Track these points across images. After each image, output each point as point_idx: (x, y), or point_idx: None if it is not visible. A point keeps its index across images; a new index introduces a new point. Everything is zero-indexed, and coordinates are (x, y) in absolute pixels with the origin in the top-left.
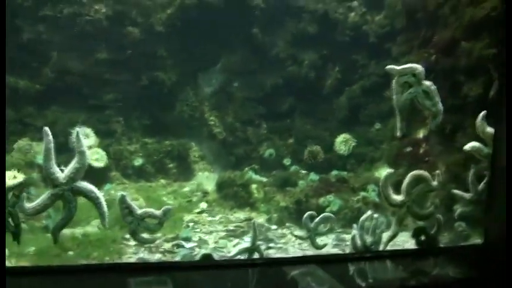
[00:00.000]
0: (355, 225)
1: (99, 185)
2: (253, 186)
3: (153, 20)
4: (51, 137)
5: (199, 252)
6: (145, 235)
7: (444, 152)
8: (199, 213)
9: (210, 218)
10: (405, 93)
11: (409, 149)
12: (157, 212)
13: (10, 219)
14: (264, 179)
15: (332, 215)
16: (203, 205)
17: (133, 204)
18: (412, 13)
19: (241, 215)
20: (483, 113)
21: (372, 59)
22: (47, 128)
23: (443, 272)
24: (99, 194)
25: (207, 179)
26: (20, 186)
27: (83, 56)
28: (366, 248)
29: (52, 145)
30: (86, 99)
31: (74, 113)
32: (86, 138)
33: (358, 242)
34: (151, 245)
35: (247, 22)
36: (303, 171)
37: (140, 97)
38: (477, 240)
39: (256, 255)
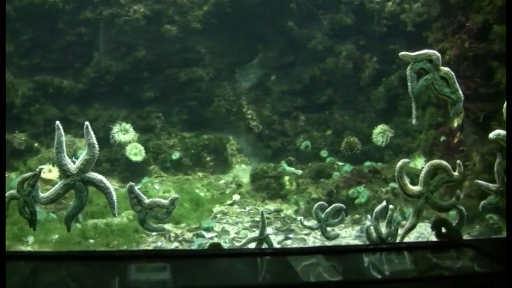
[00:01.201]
0: (369, 216)
1: (137, 178)
2: (286, 178)
3: (190, 17)
4: (62, 130)
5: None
6: (153, 224)
7: (478, 141)
8: (230, 204)
9: (239, 210)
10: (421, 80)
11: (443, 138)
12: (165, 202)
13: (26, 208)
14: (300, 171)
15: (343, 205)
16: (236, 197)
17: (141, 194)
18: None
19: (271, 206)
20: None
21: (409, 48)
22: (58, 122)
23: (465, 266)
24: (109, 184)
25: (243, 171)
26: (35, 177)
27: (123, 55)
28: (382, 239)
29: (63, 138)
30: (126, 96)
31: (114, 110)
32: (125, 133)
33: (373, 233)
34: (172, 234)
35: (283, 16)
36: (340, 163)
37: (179, 93)
38: None
39: (265, 246)
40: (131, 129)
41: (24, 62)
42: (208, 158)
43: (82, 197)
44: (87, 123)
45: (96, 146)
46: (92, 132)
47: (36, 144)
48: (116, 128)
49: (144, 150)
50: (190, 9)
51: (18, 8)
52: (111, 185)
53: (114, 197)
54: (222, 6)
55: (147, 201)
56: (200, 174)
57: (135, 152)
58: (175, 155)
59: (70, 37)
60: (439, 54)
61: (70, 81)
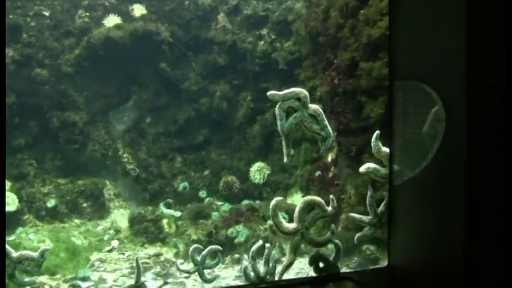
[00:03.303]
0: (245, 256)
1: (11, 228)
2: (165, 221)
3: (61, 61)
4: None
5: None
6: (23, 278)
7: (352, 175)
8: (109, 251)
9: (118, 256)
10: (290, 118)
11: (318, 173)
12: (34, 254)
13: None
14: (178, 213)
15: (219, 247)
16: (114, 243)
17: (9, 248)
18: (315, 37)
19: (151, 250)
20: (377, 133)
21: (282, 86)
22: None
23: None
24: None
25: (122, 216)
26: None
27: None
28: (260, 279)
29: None
30: None
31: None
32: None
33: (251, 273)
34: (46, 286)
35: (156, 57)
36: (218, 203)
37: (52, 138)
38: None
39: None
40: None
41: None
42: (85, 204)
43: None
44: None
45: None
46: None
47: None
48: None
49: (17, 199)
50: (61, 53)
51: None
52: None
53: None
54: (94, 49)
55: (15, 254)
56: (77, 221)
57: (8, 202)
58: (51, 203)
59: None
60: (306, 93)
61: None
